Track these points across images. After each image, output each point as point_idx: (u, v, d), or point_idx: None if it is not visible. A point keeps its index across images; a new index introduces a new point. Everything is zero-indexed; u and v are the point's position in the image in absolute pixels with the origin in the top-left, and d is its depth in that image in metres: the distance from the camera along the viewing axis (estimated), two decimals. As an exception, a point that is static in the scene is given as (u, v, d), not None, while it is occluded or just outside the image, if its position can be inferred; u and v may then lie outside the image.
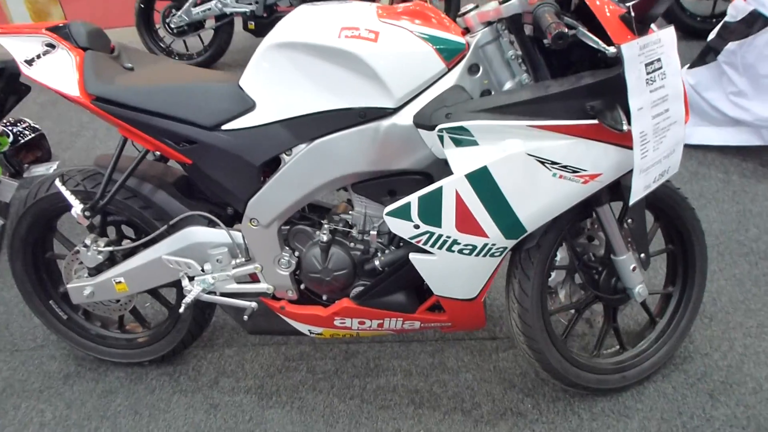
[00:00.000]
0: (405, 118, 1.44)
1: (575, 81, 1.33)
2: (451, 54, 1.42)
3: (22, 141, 3.01)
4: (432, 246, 1.48)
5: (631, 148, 1.34)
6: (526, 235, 1.47)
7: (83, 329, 2.10)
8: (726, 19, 2.71)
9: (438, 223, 1.44)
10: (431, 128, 1.38)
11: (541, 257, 1.61)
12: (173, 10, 4.39)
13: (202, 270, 1.75)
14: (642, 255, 1.66)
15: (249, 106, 1.55)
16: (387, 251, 1.65)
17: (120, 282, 1.85)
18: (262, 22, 4.23)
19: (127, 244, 1.89)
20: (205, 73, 1.73)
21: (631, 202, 1.37)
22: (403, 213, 1.45)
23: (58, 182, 1.76)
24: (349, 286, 1.69)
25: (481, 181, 1.38)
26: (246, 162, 1.58)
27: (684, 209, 1.74)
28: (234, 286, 1.76)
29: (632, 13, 1.27)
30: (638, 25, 1.29)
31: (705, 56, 2.80)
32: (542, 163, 1.36)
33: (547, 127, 1.32)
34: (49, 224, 1.98)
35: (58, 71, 1.66)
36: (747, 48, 2.65)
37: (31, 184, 1.89)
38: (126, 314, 2.05)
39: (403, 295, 1.67)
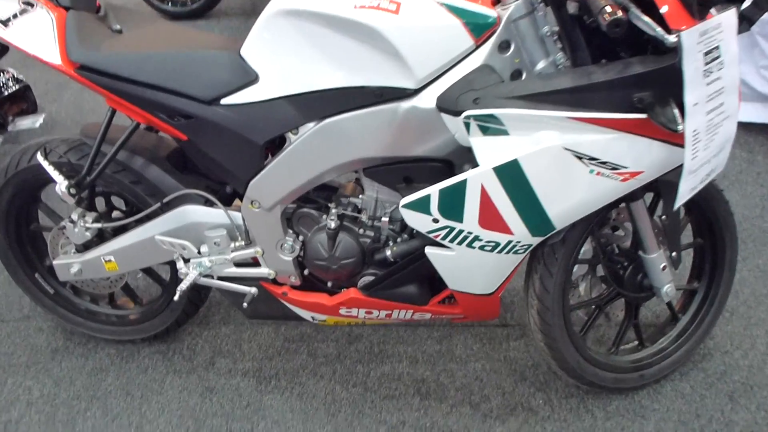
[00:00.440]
0: (426, 100, 1.29)
1: (622, 69, 1.18)
2: (480, 29, 1.26)
3: (6, 93, 2.82)
4: (451, 241, 1.36)
5: (677, 144, 1.21)
6: (554, 233, 1.35)
7: (72, 304, 1.98)
8: None
9: (459, 218, 1.31)
10: (457, 114, 1.24)
11: (565, 253, 1.49)
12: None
13: (199, 252, 1.62)
14: (673, 253, 1.55)
15: (251, 78, 1.40)
16: (399, 240, 1.52)
17: (110, 261, 1.72)
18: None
19: (117, 216, 1.76)
20: (203, 38, 1.56)
21: (676, 206, 1.24)
22: (422, 206, 1.32)
23: (39, 156, 1.61)
24: (356, 275, 1.57)
25: (511, 175, 1.25)
26: (247, 140, 1.44)
27: (718, 202, 1.61)
28: (233, 270, 1.64)
29: None
30: (698, 6, 1.13)
31: (737, 26, 2.62)
32: (579, 158, 1.22)
33: (591, 120, 1.18)
34: (33, 195, 1.84)
35: (36, 34, 1.49)
36: (785, 19, 2.48)
37: (15, 139, 1.73)
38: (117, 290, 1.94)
39: (415, 287, 1.55)
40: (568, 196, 1.28)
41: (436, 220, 1.33)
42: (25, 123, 2.84)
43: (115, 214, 1.82)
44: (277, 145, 1.45)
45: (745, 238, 2.23)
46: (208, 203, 1.59)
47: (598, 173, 1.25)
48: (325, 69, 1.33)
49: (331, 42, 1.30)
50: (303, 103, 1.37)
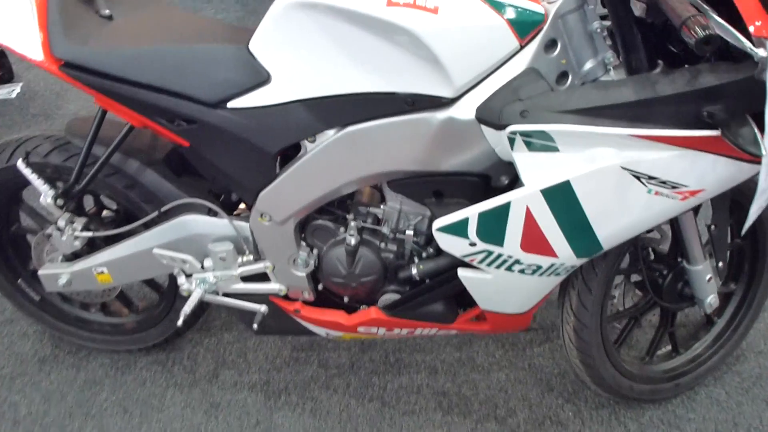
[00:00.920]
0: (464, 110, 1.14)
1: (691, 79, 1.03)
2: (527, 28, 1.10)
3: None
4: (488, 265, 1.23)
5: (746, 161, 1.08)
6: (600, 253, 1.22)
7: (60, 312, 1.82)
8: None
9: (500, 242, 1.18)
10: (501, 127, 1.09)
11: (606, 267, 1.37)
12: None
13: (202, 266, 1.47)
14: (720, 263, 1.43)
15: (262, 78, 1.23)
16: (425, 255, 1.39)
17: (102, 272, 1.57)
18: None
19: (107, 216, 1.60)
20: (205, 27, 1.38)
21: (745, 228, 1.12)
22: (459, 229, 1.18)
23: (21, 164, 1.43)
24: (377, 292, 1.44)
25: (560, 197, 1.11)
26: (257, 148, 1.28)
27: (764, 205, 1.50)
28: (240, 286, 1.50)
29: None
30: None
31: None
32: (638, 177, 1.09)
33: (657, 138, 1.04)
34: (14, 196, 1.66)
35: (14, 22, 1.30)
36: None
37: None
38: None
39: (442, 306, 1.43)
40: (622, 216, 1.15)
41: (473, 244, 1.19)
42: (2, 92, 2.63)
43: (106, 213, 1.66)
44: (290, 152, 1.30)
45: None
46: (211, 212, 1.44)
47: (656, 193, 1.11)
48: (348, 71, 1.16)
49: (357, 42, 1.13)
50: (322, 109, 1.21)
